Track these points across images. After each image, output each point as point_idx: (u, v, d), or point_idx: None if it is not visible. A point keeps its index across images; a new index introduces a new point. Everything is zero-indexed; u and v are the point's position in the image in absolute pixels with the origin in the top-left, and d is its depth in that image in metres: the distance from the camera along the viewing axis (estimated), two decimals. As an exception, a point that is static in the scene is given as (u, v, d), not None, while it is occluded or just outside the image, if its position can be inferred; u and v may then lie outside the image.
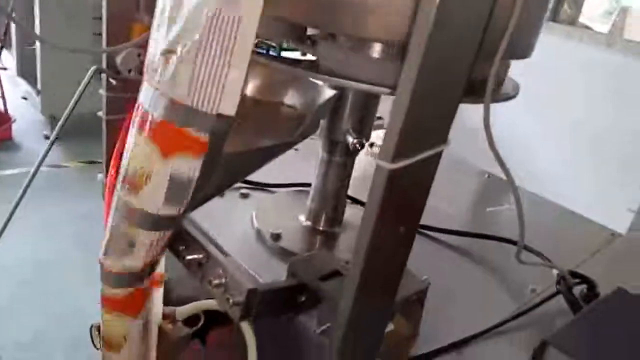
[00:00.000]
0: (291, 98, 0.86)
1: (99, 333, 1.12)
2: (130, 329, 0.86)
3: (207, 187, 0.74)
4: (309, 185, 1.19)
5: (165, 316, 0.91)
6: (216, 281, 0.72)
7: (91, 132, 1.08)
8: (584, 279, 0.96)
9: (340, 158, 0.99)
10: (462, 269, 1.08)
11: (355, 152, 0.97)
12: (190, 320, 0.93)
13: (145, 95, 0.71)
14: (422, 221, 0.66)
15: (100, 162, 1.33)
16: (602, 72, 2.94)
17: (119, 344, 0.88)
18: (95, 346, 1.21)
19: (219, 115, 0.68)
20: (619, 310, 0.79)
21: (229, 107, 0.68)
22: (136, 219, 0.72)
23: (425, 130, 0.56)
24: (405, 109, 0.52)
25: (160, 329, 0.88)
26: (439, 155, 0.59)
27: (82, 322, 1.04)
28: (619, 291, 0.83)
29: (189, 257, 0.77)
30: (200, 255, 0.76)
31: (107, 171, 1.08)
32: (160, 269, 0.90)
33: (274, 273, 0.88)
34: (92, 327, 1.16)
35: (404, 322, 0.80)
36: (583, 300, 0.93)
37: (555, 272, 0.97)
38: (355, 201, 1.15)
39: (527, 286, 1.01)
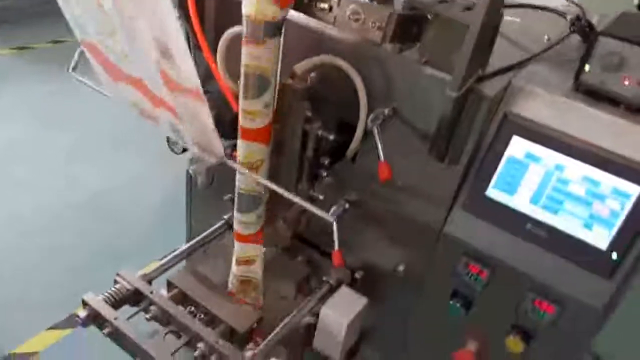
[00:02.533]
0: None
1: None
2: (265, 154, 1.09)
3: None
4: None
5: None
6: (356, 15, 0.88)
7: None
8: (587, 21, 1.24)
9: None
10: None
11: None
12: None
13: None
14: None
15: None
16: None
17: (258, 167, 1.10)
18: (174, 151, 1.37)
19: None
20: (633, 20, 1.07)
21: None
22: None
23: None
24: None
25: (281, 85, 1.04)
26: None
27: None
28: (624, 12, 1.12)
29: (321, 5, 0.91)
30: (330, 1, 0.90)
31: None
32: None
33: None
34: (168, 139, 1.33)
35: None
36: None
37: (569, 17, 1.24)
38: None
39: (542, 37, 1.28)
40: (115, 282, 1.21)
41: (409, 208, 1.21)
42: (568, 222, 1.01)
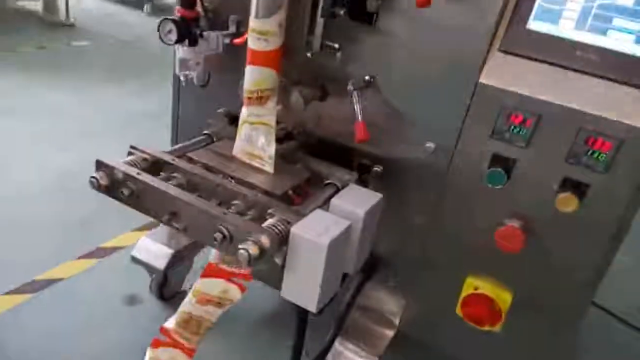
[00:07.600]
0: None
1: None
2: (276, 83, 1.10)
3: None
4: None
5: None
6: None
7: None
8: None
9: None
10: None
11: None
12: None
13: None
14: None
15: None
16: None
17: (268, 97, 1.11)
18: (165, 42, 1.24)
19: None
20: None
21: None
22: None
23: None
24: None
25: None
26: None
27: None
28: None
29: None
30: None
31: None
32: None
33: None
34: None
35: None
36: None
37: None
38: None
39: None
40: (129, 153, 1.04)
41: (438, 67, 1.10)
42: (619, 41, 0.95)
